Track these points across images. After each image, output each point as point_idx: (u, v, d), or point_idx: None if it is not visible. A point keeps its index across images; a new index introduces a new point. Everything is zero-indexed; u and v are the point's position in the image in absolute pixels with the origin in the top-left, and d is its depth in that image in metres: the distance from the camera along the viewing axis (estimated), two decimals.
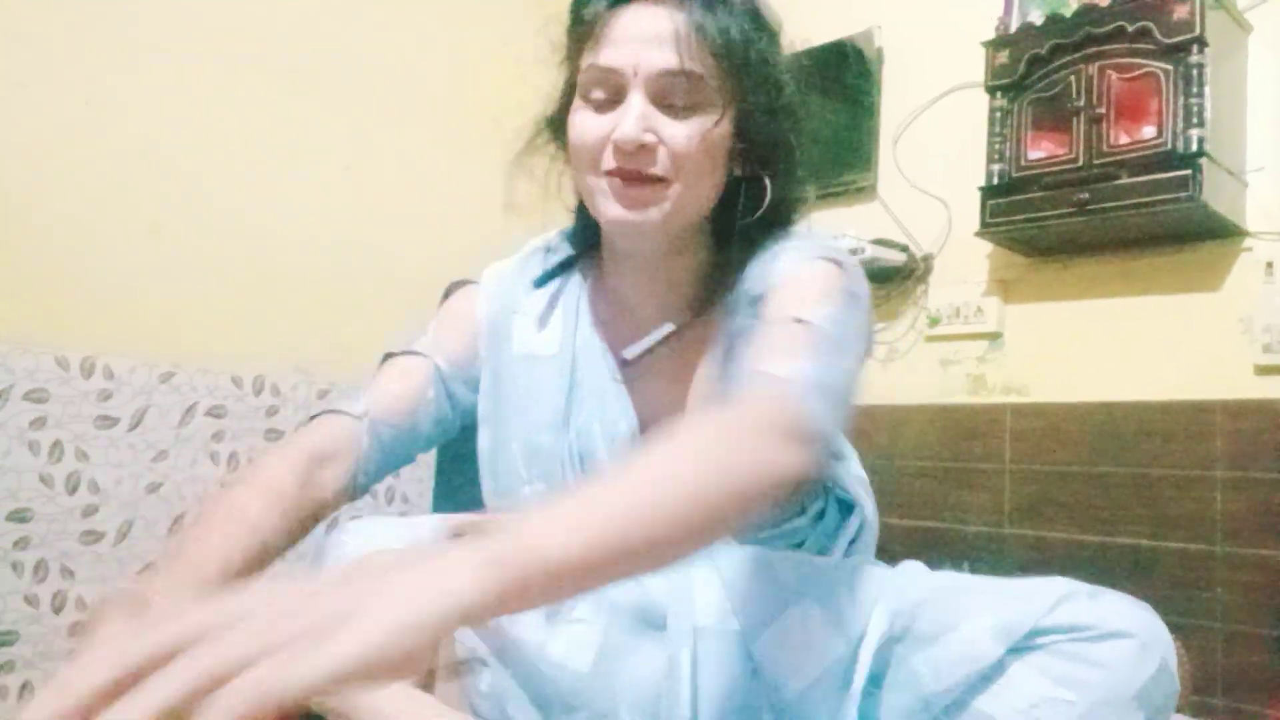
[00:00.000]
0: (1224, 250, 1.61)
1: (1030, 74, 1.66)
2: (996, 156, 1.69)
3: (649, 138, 0.84)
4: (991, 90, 1.71)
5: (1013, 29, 1.73)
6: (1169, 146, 1.49)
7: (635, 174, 0.85)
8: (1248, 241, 1.59)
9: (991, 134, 1.70)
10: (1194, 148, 1.47)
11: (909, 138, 2.01)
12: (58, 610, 1.65)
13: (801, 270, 0.86)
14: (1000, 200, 1.68)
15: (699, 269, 0.95)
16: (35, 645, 1.63)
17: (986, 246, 1.84)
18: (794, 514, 0.92)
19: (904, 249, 1.95)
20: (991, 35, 1.74)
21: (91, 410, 1.71)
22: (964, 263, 1.87)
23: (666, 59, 0.85)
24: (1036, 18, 1.69)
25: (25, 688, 1.61)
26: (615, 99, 0.86)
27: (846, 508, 0.95)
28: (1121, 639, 0.72)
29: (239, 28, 1.92)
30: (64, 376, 1.68)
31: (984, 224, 1.70)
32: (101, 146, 1.75)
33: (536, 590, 0.49)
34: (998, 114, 1.70)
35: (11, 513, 1.62)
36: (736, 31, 0.87)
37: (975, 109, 1.76)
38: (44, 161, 1.69)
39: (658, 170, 0.85)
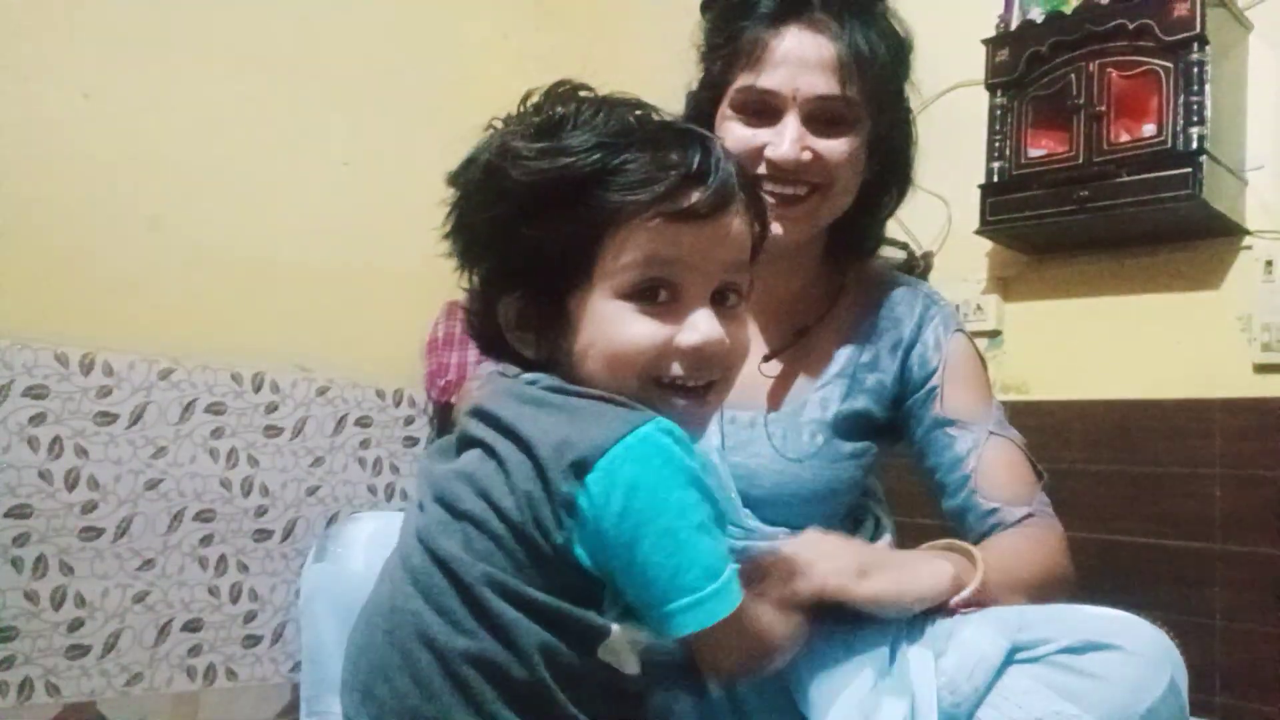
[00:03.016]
0: (1224, 248, 1.61)
1: (1030, 71, 1.65)
2: (996, 154, 1.69)
3: (806, 156, 0.90)
4: (991, 88, 1.71)
5: (1013, 26, 1.73)
6: (1169, 144, 1.49)
7: (789, 193, 0.91)
8: (1247, 240, 1.59)
9: (991, 131, 1.70)
10: (1194, 145, 1.47)
11: None
12: (57, 606, 1.65)
13: (956, 349, 1.01)
14: (1000, 198, 1.67)
15: (809, 274, 1.02)
16: (35, 641, 1.63)
17: (986, 244, 1.84)
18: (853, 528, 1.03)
19: (903, 246, 1.93)
20: (991, 33, 1.74)
21: (91, 406, 1.71)
22: (963, 261, 1.87)
23: (826, 84, 0.90)
24: (1037, 15, 1.69)
25: (25, 684, 1.61)
26: (769, 117, 0.91)
27: (875, 521, 1.04)
28: (1126, 655, 0.71)
29: (238, 21, 1.91)
30: (63, 373, 1.68)
31: (984, 222, 1.70)
32: (101, 140, 1.75)
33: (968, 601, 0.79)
34: (998, 111, 1.70)
35: (11, 509, 1.62)
36: (887, 55, 0.93)
37: (975, 106, 1.75)
38: (43, 155, 1.69)
39: (812, 179, 0.91)
